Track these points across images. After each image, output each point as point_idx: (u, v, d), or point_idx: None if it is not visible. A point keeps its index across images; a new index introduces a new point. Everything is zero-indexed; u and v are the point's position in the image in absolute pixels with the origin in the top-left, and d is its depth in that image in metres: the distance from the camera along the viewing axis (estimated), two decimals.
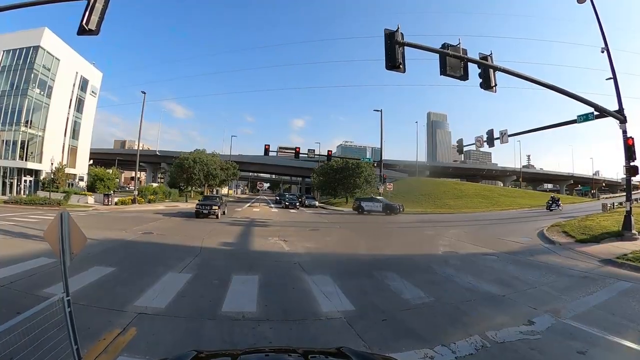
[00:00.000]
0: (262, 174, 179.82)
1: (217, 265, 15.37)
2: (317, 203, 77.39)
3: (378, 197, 56.95)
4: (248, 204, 71.88)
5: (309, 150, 61.28)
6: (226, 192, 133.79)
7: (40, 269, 12.86)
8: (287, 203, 66.05)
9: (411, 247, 22.88)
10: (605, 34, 25.40)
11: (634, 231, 22.44)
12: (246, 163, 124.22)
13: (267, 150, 55.96)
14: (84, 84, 74.52)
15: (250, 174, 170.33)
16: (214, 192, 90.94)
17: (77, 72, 71.95)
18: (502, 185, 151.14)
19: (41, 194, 55.13)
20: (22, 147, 60.92)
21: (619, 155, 24.62)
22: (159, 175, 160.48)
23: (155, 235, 23.44)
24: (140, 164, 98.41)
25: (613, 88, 24.93)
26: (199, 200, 42.79)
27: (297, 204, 68.24)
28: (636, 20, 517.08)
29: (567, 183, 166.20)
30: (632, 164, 22.99)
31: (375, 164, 74.58)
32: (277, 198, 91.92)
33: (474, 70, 21.05)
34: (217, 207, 38.46)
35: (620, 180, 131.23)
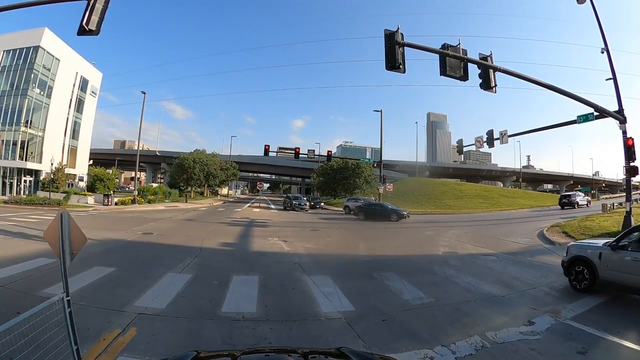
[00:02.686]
0: (262, 174, 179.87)
1: (217, 266, 15.39)
2: (408, 212, 45.66)
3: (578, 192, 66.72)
4: (248, 204, 71.73)
5: (308, 150, 61.21)
6: (226, 193, 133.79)
7: (40, 269, 12.88)
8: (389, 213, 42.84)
9: (411, 247, 22.84)
10: (605, 35, 25.42)
11: None
12: (246, 163, 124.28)
13: (266, 151, 55.92)
14: (83, 84, 74.38)
15: (250, 174, 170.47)
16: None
17: (77, 72, 71.83)
18: (501, 185, 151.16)
19: (41, 194, 55.17)
20: (22, 147, 60.78)
21: (618, 156, 24.65)
22: (159, 176, 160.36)
23: (155, 235, 23.45)
24: (140, 164, 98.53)
25: (613, 88, 24.97)
26: None
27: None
28: (636, 21, 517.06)
29: (567, 183, 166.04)
30: (632, 164, 23.01)
31: (375, 165, 74.51)
32: (294, 202, 63.07)
33: (474, 70, 21.07)
34: None
35: (620, 181, 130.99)
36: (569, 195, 61.22)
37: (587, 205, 59.75)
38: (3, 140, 60.09)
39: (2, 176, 60.47)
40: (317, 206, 66.68)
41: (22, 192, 60.79)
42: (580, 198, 60.32)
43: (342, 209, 59.14)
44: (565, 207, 57.14)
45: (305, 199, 73.66)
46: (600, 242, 12.65)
